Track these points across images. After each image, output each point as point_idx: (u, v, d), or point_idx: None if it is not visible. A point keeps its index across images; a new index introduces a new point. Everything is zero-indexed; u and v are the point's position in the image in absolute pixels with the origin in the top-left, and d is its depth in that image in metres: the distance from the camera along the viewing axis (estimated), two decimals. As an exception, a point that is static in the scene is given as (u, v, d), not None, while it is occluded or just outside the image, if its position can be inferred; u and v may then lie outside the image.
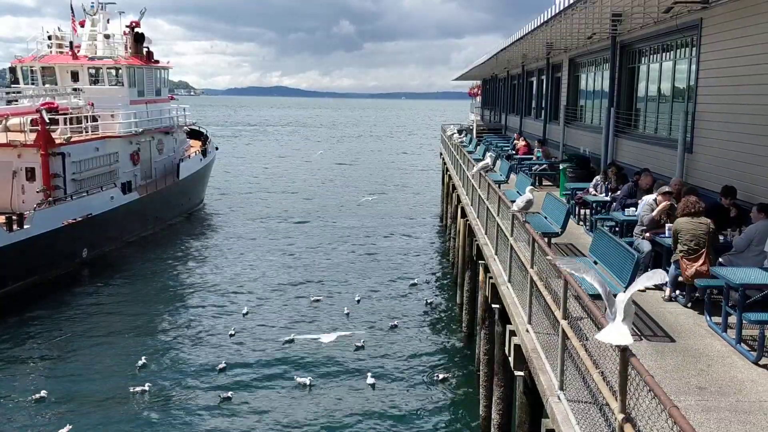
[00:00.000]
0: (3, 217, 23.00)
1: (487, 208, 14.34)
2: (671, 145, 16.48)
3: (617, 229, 14.14)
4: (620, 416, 5.17)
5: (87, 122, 29.65)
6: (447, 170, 31.20)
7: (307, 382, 16.05)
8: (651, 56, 19.67)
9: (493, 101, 57.69)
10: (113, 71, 33.12)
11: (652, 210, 11.89)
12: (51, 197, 25.67)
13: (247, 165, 67.16)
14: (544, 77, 34.11)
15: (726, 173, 13.50)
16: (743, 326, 8.64)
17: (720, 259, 10.47)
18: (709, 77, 14.87)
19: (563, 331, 6.85)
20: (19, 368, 17.22)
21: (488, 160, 18.65)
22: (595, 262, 10.40)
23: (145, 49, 35.71)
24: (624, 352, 5.19)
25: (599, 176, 17.81)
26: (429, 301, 22.97)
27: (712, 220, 10.57)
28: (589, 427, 6.17)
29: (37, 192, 25.83)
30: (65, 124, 28.28)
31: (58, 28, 34.63)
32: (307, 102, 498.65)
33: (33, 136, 26.31)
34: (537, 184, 22.83)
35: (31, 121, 27.11)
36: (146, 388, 15.72)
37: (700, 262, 10.04)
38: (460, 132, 35.04)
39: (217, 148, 46.74)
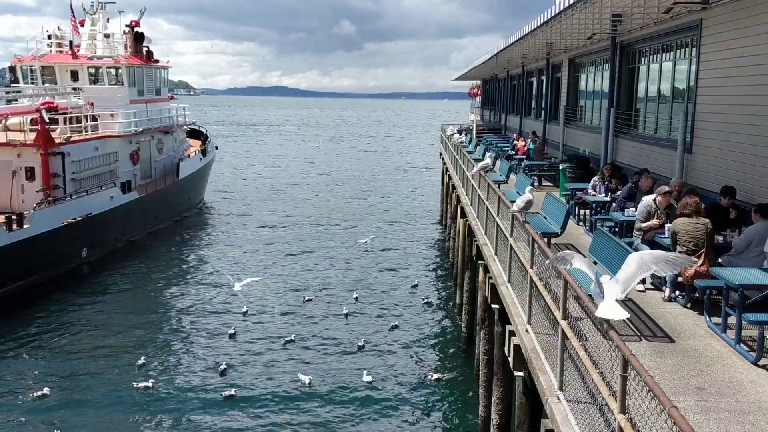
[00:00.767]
0: (3, 216, 22.99)
1: (487, 208, 14.35)
2: (671, 146, 16.49)
3: (617, 229, 14.14)
4: (620, 416, 5.17)
5: (87, 122, 29.64)
6: (447, 170, 31.21)
7: (308, 381, 16.05)
8: (651, 56, 19.68)
9: (493, 101, 57.70)
10: (113, 71, 33.12)
11: (650, 211, 11.88)
12: (50, 197, 25.66)
13: (247, 164, 67.16)
14: (544, 77, 34.13)
15: (725, 173, 13.51)
16: (743, 327, 8.65)
17: (720, 260, 10.48)
18: (708, 78, 14.88)
19: (563, 331, 6.86)
20: (19, 367, 17.23)
21: (488, 161, 18.65)
22: (595, 263, 10.39)
23: (144, 49, 35.72)
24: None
25: (597, 177, 17.82)
26: (428, 301, 22.97)
27: (711, 220, 10.58)
28: (588, 428, 6.17)
29: (37, 191, 25.82)
30: (65, 123, 28.26)
31: (58, 28, 34.62)
32: (306, 102, 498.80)
33: (33, 135, 26.29)
34: (535, 183, 22.74)
35: (31, 120, 27.09)
36: (148, 385, 15.75)
37: (700, 263, 10.04)
38: (460, 132, 35.01)
39: (216, 148, 46.75)
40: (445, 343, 19.34)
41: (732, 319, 8.90)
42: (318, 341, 19.10)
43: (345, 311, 21.51)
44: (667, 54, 18.33)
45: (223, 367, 17.06)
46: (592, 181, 17.79)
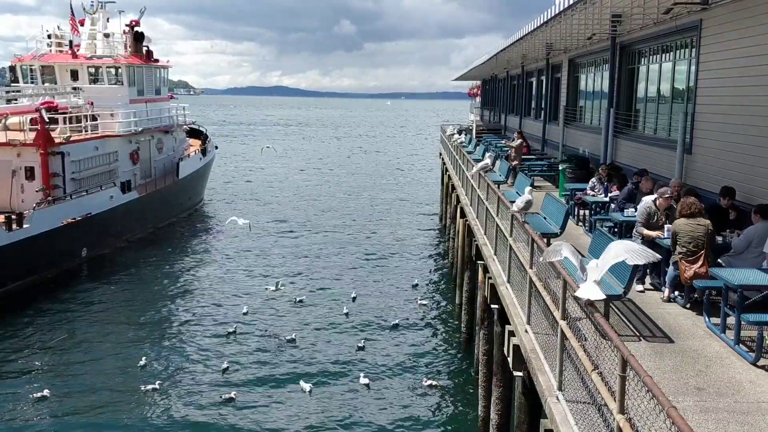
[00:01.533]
0: (2, 216, 22.98)
1: (487, 208, 14.35)
2: (670, 146, 16.50)
3: (616, 230, 14.15)
4: (619, 417, 5.18)
5: (86, 121, 29.63)
6: (446, 170, 31.21)
7: (308, 382, 16.03)
8: (650, 57, 19.69)
9: (493, 101, 57.72)
10: (113, 70, 33.11)
11: (650, 212, 11.88)
12: (50, 196, 25.65)
13: (247, 164, 67.15)
14: (543, 78, 34.15)
15: (725, 174, 13.52)
16: (742, 327, 8.66)
17: (719, 260, 10.49)
18: (708, 78, 14.89)
19: (562, 331, 6.87)
20: (19, 367, 17.21)
21: (488, 161, 18.65)
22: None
23: (144, 48, 35.72)
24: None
25: (595, 177, 17.83)
26: (428, 301, 22.98)
27: (710, 221, 10.58)
28: (587, 428, 6.18)
29: (37, 191, 25.81)
30: (65, 123, 28.24)
31: (58, 27, 34.61)
32: (307, 102, 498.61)
33: (32, 135, 26.27)
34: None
35: (31, 120, 27.07)
36: (148, 387, 15.74)
37: (699, 264, 10.06)
38: (460, 132, 34.99)
39: (216, 147, 46.75)
40: (445, 343, 19.35)
41: (731, 320, 8.91)
42: (318, 341, 19.10)
43: (344, 311, 21.51)
44: (667, 54, 18.34)
45: (224, 365, 17.07)
46: (590, 182, 17.81)
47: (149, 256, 28.94)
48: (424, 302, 22.73)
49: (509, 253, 10.93)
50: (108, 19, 35.64)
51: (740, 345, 8.64)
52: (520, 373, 8.93)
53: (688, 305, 10.42)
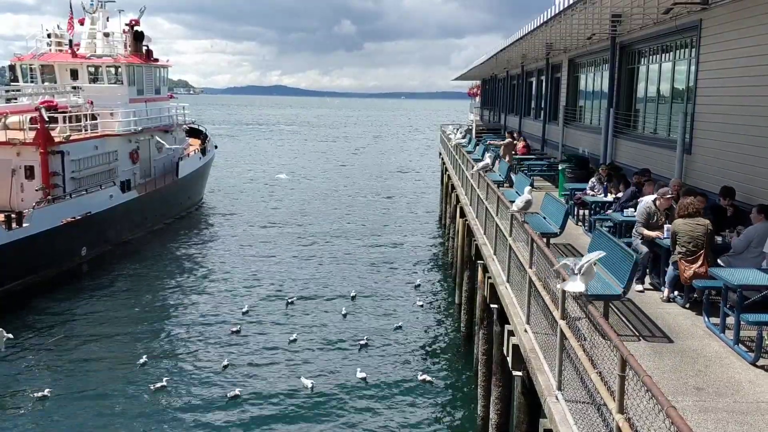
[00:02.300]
0: (2, 215, 22.94)
1: (486, 208, 14.36)
2: (670, 146, 16.50)
3: (615, 230, 14.15)
4: (618, 416, 5.18)
5: (86, 120, 29.62)
6: (446, 170, 31.21)
7: (310, 386, 16.01)
8: (650, 57, 19.70)
9: (493, 101, 57.74)
10: (112, 69, 33.10)
11: (649, 213, 11.88)
12: (50, 196, 25.65)
13: (246, 163, 67.15)
14: (543, 77, 34.15)
15: (725, 174, 13.52)
16: (741, 327, 8.66)
17: (719, 260, 10.50)
18: (708, 78, 14.89)
19: (561, 331, 6.87)
20: (19, 367, 17.20)
21: (487, 161, 18.66)
22: (594, 263, 10.38)
23: (144, 48, 35.71)
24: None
25: (595, 177, 17.84)
26: (427, 300, 22.98)
27: (710, 220, 10.59)
28: (586, 427, 6.19)
29: (36, 190, 25.80)
30: (64, 122, 28.23)
31: (58, 26, 34.58)
32: (306, 102, 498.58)
33: (32, 134, 26.25)
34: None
35: (31, 119, 27.06)
36: (149, 385, 15.75)
37: (698, 264, 10.06)
38: (465, 135, 34.94)
39: (216, 147, 46.73)
40: (444, 343, 19.35)
41: (731, 320, 8.92)
42: (318, 341, 19.09)
43: (344, 311, 21.51)
44: (667, 54, 18.35)
45: (224, 363, 17.09)
46: (590, 182, 17.81)
47: (149, 256, 28.93)
48: (423, 302, 22.73)
49: (509, 252, 10.94)
50: (108, 19, 35.64)
51: (740, 345, 8.65)
52: (520, 373, 8.93)
53: (687, 305, 10.43)
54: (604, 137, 21.66)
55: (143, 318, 21.08)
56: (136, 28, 35.60)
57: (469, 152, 26.45)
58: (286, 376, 16.68)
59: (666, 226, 11.39)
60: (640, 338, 9.06)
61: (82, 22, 34.85)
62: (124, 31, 35.64)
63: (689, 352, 8.64)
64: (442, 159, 35.25)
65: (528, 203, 11.61)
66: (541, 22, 19.78)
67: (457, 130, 31.63)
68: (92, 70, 32.91)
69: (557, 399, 7.02)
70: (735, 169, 13.28)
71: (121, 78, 32.98)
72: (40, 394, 15.20)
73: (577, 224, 16.99)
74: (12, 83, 33.28)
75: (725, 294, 9.16)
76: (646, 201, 12.27)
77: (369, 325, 20.45)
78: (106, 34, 34.69)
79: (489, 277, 12.64)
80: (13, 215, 22.85)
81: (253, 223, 36.87)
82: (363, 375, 16.43)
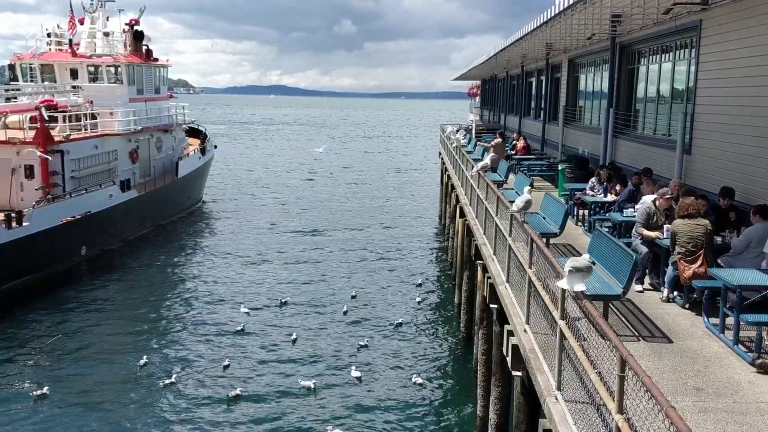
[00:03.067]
0: (2, 214, 22.95)
1: (486, 208, 14.35)
2: (670, 146, 16.50)
3: (615, 230, 14.15)
4: (617, 417, 5.18)
5: (86, 120, 29.62)
6: (446, 170, 31.21)
7: (310, 380, 16.02)
8: (650, 57, 19.70)
9: (493, 101, 57.75)
10: (112, 69, 33.10)
11: (649, 213, 11.89)
12: (50, 195, 25.65)
13: (246, 163, 67.13)
14: (543, 78, 34.15)
15: (724, 174, 13.52)
16: (741, 327, 8.66)
17: (719, 261, 10.50)
18: (708, 78, 14.89)
19: (561, 331, 6.87)
20: (19, 366, 17.21)
21: (487, 161, 18.65)
22: (594, 263, 10.39)
23: (144, 47, 35.70)
24: (618, 353, 5.21)
25: (594, 177, 17.84)
26: (427, 300, 22.99)
27: (709, 221, 10.59)
28: (586, 428, 6.18)
29: (36, 189, 25.81)
30: (64, 121, 28.24)
31: (58, 26, 34.57)
32: (305, 101, 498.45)
33: (32, 133, 26.26)
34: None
35: (30, 118, 27.07)
36: (149, 385, 15.77)
37: (698, 264, 10.06)
38: (462, 131, 34.87)
39: (215, 147, 46.70)
40: (444, 343, 19.35)
41: (730, 320, 8.92)
42: (318, 340, 19.08)
43: (343, 310, 21.51)
44: (667, 55, 18.35)
45: (225, 363, 17.10)
46: (590, 182, 17.81)
47: (148, 255, 28.93)
48: (423, 301, 22.73)
49: (508, 252, 10.93)
50: (108, 18, 35.63)
51: (739, 345, 8.65)
52: (519, 373, 8.93)
53: (687, 305, 10.43)
54: (603, 137, 21.66)
55: (143, 317, 21.07)
56: (135, 27, 35.60)
57: (468, 152, 26.44)
58: (287, 376, 16.67)
59: (666, 227, 11.40)
60: (640, 338, 9.07)
61: (82, 22, 34.84)
62: (124, 31, 35.64)
63: (689, 352, 8.64)
64: (442, 159, 35.25)
65: (528, 203, 11.60)
66: (541, 22, 19.78)
67: (457, 130, 31.56)
68: (92, 69, 32.91)
69: (557, 399, 7.02)
70: (734, 170, 13.28)
71: (121, 77, 32.98)
72: (39, 392, 15.20)
73: (576, 224, 17.00)
74: (12, 82, 33.26)
75: (725, 294, 9.16)
76: (646, 201, 12.27)
77: (369, 325, 20.45)
78: (106, 34, 34.68)
79: (489, 277, 12.64)
80: (12, 214, 22.85)
81: (252, 222, 36.86)
82: (358, 374, 16.46)
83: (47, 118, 26.64)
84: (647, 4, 16.51)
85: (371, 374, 16.79)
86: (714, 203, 12.26)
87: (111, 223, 28.61)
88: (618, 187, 16.30)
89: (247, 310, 21.42)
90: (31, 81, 32.40)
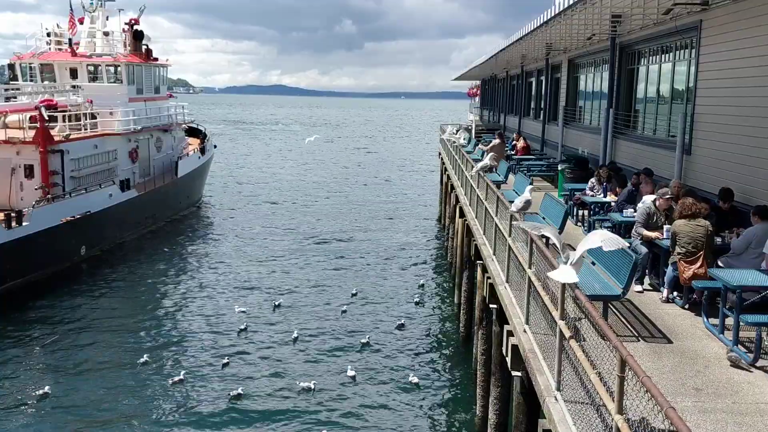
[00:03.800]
0: (2, 214, 22.94)
1: (486, 208, 14.36)
2: (670, 147, 16.51)
3: (615, 230, 14.14)
4: (617, 417, 5.18)
5: (86, 119, 29.61)
6: (445, 170, 31.21)
7: (310, 380, 16.01)
8: (650, 57, 19.71)
9: (492, 101, 57.75)
10: (112, 68, 33.09)
11: (649, 213, 11.89)
12: (49, 194, 25.64)
13: (246, 163, 67.13)
14: (543, 78, 34.15)
15: (724, 175, 13.53)
16: (740, 328, 8.66)
17: (718, 261, 10.50)
18: (708, 79, 14.89)
19: (561, 331, 6.87)
20: (20, 365, 17.19)
21: (487, 161, 18.67)
22: (593, 263, 10.42)
23: (144, 47, 35.69)
24: (615, 351, 5.21)
25: (594, 178, 17.85)
26: (426, 300, 22.98)
27: (710, 222, 10.60)
28: (585, 428, 6.19)
29: (36, 189, 25.79)
30: (64, 121, 28.23)
31: (57, 25, 34.55)
32: (306, 101, 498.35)
33: (32, 133, 26.25)
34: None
35: (30, 118, 27.06)
36: (149, 384, 15.79)
37: (698, 264, 10.07)
38: (462, 131, 34.86)
39: (215, 146, 46.68)
40: (443, 343, 19.35)
41: (730, 321, 8.92)
42: (318, 340, 19.07)
43: (343, 309, 21.51)
44: (667, 55, 18.35)
45: (225, 361, 17.11)
46: (589, 182, 17.82)
47: (148, 255, 28.92)
48: (422, 301, 22.73)
49: (508, 253, 10.94)
50: (107, 18, 35.61)
51: (739, 346, 8.65)
52: (519, 373, 8.93)
53: (686, 306, 10.43)
54: (603, 138, 21.66)
55: (143, 317, 21.06)
56: (135, 27, 35.58)
57: (468, 152, 26.45)
58: (287, 376, 16.66)
59: (666, 227, 11.41)
60: (640, 339, 9.07)
61: (81, 21, 34.83)
62: (123, 30, 35.63)
63: (688, 352, 8.64)
64: (442, 159, 35.25)
65: (527, 203, 11.62)
66: (541, 22, 19.79)
67: (457, 131, 31.57)
68: (92, 69, 32.91)
69: (556, 399, 7.02)
70: (734, 170, 13.29)
71: (121, 77, 32.98)
72: (40, 392, 15.20)
73: (576, 225, 17.00)
74: (11, 82, 33.24)
75: (724, 295, 9.17)
76: (646, 201, 12.27)
77: (368, 325, 20.44)
78: (106, 33, 34.67)
79: (488, 277, 12.64)
80: (12, 214, 22.83)
81: (252, 222, 36.86)
82: (353, 373, 16.50)
83: (47, 118, 26.62)
84: (647, 5, 16.52)
85: (371, 374, 16.78)
86: (714, 204, 12.27)
87: (111, 222, 28.60)
88: (618, 188, 16.31)
89: (247, 308, 21.39)
90: (31, 80, 32.37)
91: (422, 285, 24.81)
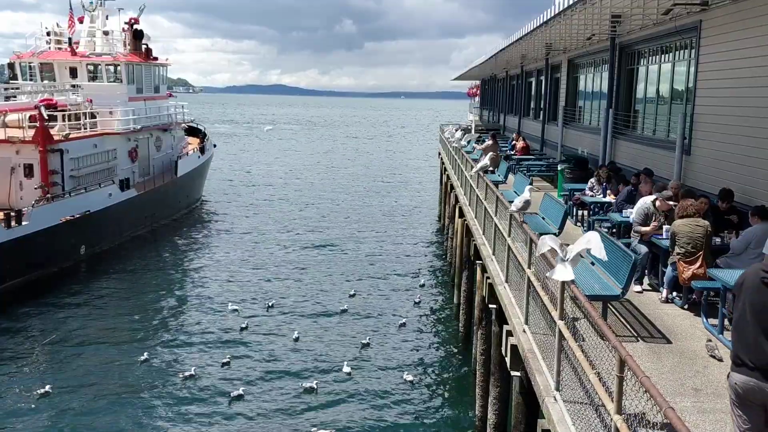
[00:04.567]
0: (1, 213, 22.94)
1: (485, 208, 14.36)
2: (669, 147, 16.50)
3: (614, 230, 14.16)
4: (616, 417, 5.18)
5: (85, 119, 29.61)
6: (445, 170, 31.21)
7: (311, 380, 16.02)
8: (650, 58, 19.70)
9: (492, 101, 57.74)
10: (112, 68, 33.09)
11: (647, 213, 11.88)
12: (49, 194, 25.63)
13: (245, 162, 67.11)
14: (542, 78, 34.15)
15: (724, 175, 13.53)
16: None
17: (717, 261, 10.50)
18: (707, 79, 14.89)
19: (560, 331, 6.87)
20: (20, 364, 17.20)
21: (487, 161, 18.66)
22: (593, 263, 10.42)
23: (143, 46, 35.68)
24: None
25: (594, 178, 17.85)
26: (426, 300, 22.98)
27: (710, 222, 10.60)
28: (585, 428, 6.18)
29: (35, 188, 25.79)
30: (63, 120, 28.22)
31: (57, 24, 34.55)
32: (305, 101, 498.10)
33: (31, 132, 26.25)
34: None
35: (30, 117, 27.05)
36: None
37: (697, 264, 10.07)
38: (463, 130, 34.80)
39: (215, 146, 46.66)
40: (443, 343, 19.35)
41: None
42: (319, 340, 19.08)
43: (343, 309, 21.51)
44: (666, 55, 18.35)
45: (225, 360, 17.13)
46: (589, 183, 17.82)
47: (148, 254, 28.93)
48: (422, 301, 22.73)
49: (507, 253, 10.94)
50: (107, 17, 35.60)
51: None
52: (518, 373, 8.93)
53: (686, 306, 10.43)
54: (603, 138, 21.66)
55: (143, 316, 21.07)
56: (135, 26, 35.56)
57: (468, 152, 26.45)
58: (288, 375, 16.67)
59: (665, 227, 11.41)
60: (639, 339, 9.07)
61: (81, 20, 34.81)
62: (123, 30, 35.61)
63: (688, 353, 8.64)
64: (441, 159, 35.25)
65: (527, 203, 11.59)
66: (541, 22, 19.78)
67: (456, 131, 31.54)
68: (91, 68, 32.91)
69: (555, 399, 7.02)
70: (734, 170, 13.28)
71: (121, 76, 32.97)
72: (41, 390, 15.22)
73: (576, 225, 17.00)
74: (11, 81, 33.23)
75: (724, 295, 9.17)
76: (645, 201, 12.27)
77: (368, 325, 20.45)
78: (106, 33, 34.66)
79: (488, 277, 12.64)
80: (12, 213, 22.83)
81: (252, 221, 36.86)
82: (348, 369, 16.60)
83: (47, 117, 26.62)
84: (647, 5, 16.52)
85: (370, 374, 16.78)
86: (713, 204, 12.27)
87: (110, 222, 28.59)
88: (620, 187, 16.30)
89: (247, 308, 21.41)
90: (31, 80, 32.37)
91: (422, 285, 24.83)
